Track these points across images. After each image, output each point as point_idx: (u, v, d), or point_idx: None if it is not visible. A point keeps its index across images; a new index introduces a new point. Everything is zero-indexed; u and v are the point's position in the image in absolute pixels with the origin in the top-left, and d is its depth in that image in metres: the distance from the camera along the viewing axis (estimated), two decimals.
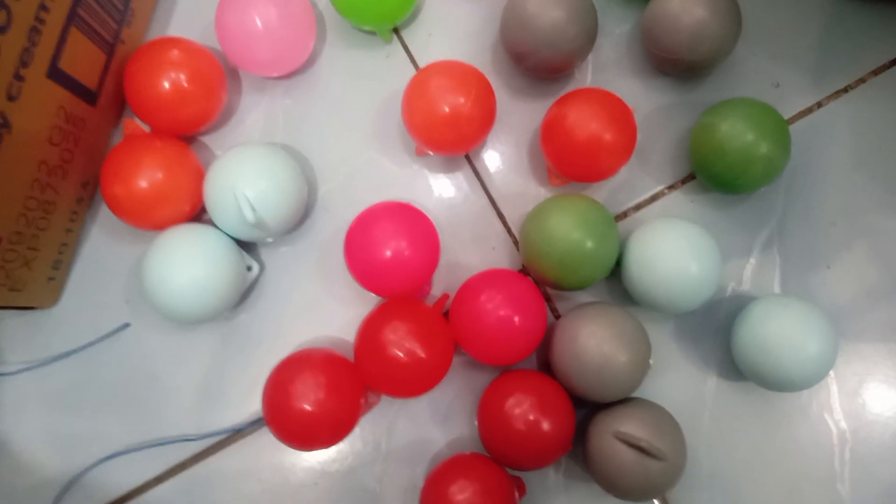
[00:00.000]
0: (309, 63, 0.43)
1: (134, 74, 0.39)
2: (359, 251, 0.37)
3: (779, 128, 0.38)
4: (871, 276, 0.42)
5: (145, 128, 0.40)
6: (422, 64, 0.43)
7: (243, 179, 0.37)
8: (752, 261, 0.42)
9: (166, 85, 0.38)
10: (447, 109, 0.38)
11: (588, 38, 0.39)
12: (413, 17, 0.43)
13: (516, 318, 0.37)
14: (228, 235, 0.39)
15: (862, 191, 0.42)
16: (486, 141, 0.42)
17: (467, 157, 0.42)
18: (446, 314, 0.39)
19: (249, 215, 0.36)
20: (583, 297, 0.41)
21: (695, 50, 0.39)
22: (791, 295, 0.40)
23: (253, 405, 0.40)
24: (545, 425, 0.36)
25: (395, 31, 0.43)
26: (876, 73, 0.43)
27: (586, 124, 0.38)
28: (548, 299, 0.42)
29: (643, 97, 0.43)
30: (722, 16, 0.38)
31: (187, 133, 0.41)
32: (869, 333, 0.41)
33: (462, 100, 0.38)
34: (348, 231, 0.38)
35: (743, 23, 0.42)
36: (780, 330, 0.37)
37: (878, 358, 0.41)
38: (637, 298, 0.39)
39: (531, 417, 0.36)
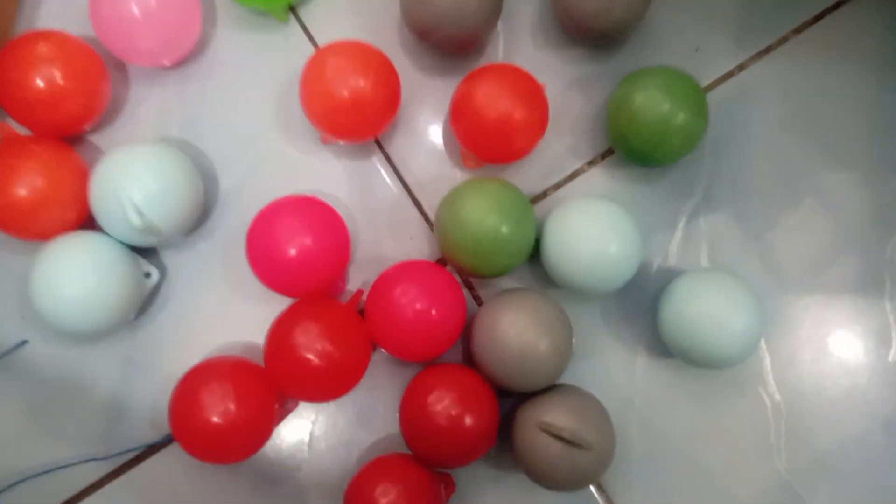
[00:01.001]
0: (200, 50, 0.40)
1: (3, 74, 0.36)
2: (261, 251, 0.35)
3: (695, 96, 0.37)
4: (803, 244, 0.41)
5: (23, 131, 0.37)
6: (322, 43, 0.40)
7: (128, 181, 0.34)
8: (678, 234, 0.40)
9: (40, 83, 0.35)
10: (346, 93, 0.35)
11: (492, 10, 0.37)
12: None
13: (433, 311, 0.35)
14: (121, 242, 0.36)
15: (790, 154, 0.41)
16: (397, 123, 0.40)
17: (377, 143, 0.40)
18: (362, 311, 0.37)
19: (136, 220, 0.34)
20: (506, 282, 0.40)
21: (606, 16, 0.37)
22: (716, 269, 0.39)
23: (163, 419, 0.38)
24: (467, 420, 0.35)
25: (292, 9, 0.40)
26: (798, 31, 0.42)
27: (494, 103, 0.36)
28: (469, 287, 0.40)
29: (558, 69, 0.41)
30: None
31: (70, 133, 0.38)
32: (801, 303, 0.41)
33: (362, 82, 0.36)
34: (249, 230, 0.36)
35: None
36: (703, 307, 0.36)
37: (811, 328, 0.41)
38: (557, 282, 0.37)
39: (452, 413, 0.35)
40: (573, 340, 0.36)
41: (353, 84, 0.36)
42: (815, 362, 0.40)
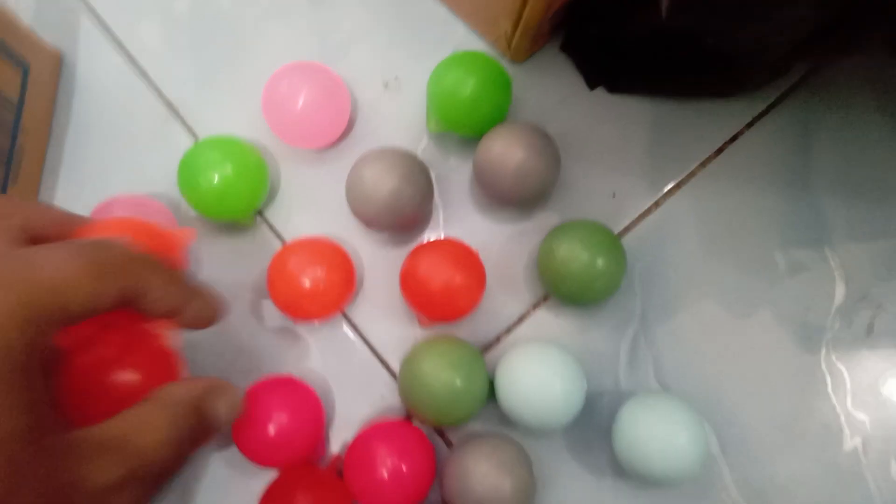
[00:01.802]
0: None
1: None
2: (245, 431, 0.40)
3: (611, 242, 0.42)
4: (739, 351, 0.45)
5: None
6: (288, 238, 0.47)
7: None
8: (624, 359, 0.45)
9: None
10: (307, 283, 0.41)
11: (424, 196, 0.43)
12: (272, 194, 0.47)
13: (403, 468, 0.39)
14: None
15: (712, 274, 0.46)
16: (360, 295, 0.46)
17: (344, 315, 0.46)
18: (342, 474, 0.41)
19: None
20: (474, 424, 0.44)
21: (521, 190, 0.43)
22: (656, 392, 0.43)
23: None
24: None
25: (259, 212, 0.47)
26: (703, 164, 0.47)
27: (436, 275, 0.41)
28: (440, 433, 0.44)
29: (494, 229, 0.47)
30: (540, 154, 0.42)
31: None
32: (748, 407, 0.44)
33: (318, 272, 0.41)
34: None
35: (574, 146, 0.47)
36: (646, 431, 0.40)
37: (762, 429, 0.44)
38: (513, 423, 0.41)
39: None
40: (533, 476, 0.40)
41: (310, 274, 0.41)
42: (772, 461, 0.43)
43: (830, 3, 0.31)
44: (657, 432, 0.39)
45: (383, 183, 0.42)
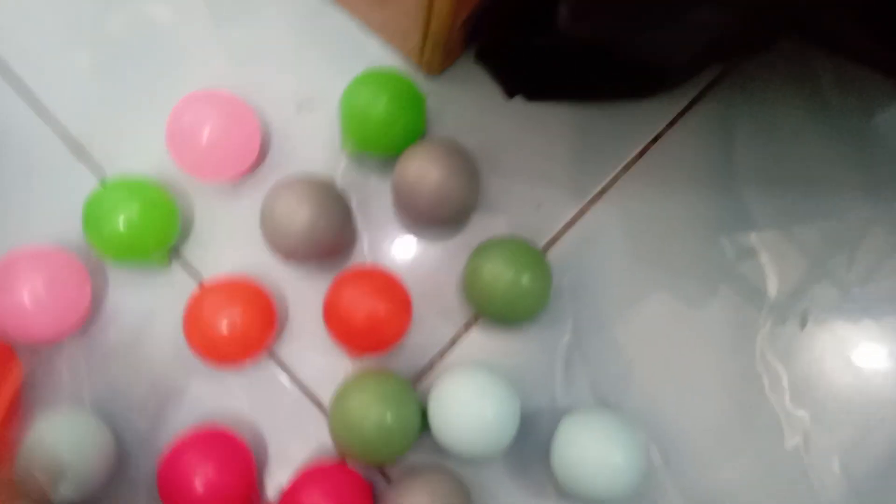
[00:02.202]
0: (97, 313, 0.44)
1: None
2: (171, 491, 0.38)
3: (534, 258, 0.41)
4: (675, 359, 0.44)
5: None
6: (206, 276, 0.45)
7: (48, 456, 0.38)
8: (559, 376, 0.44)
9: None
10: (224, 328, 0.39)
11: (341, 224, 0.41)
12: (187, 231, 0.45)
13: None
14: None
15: (642, 279, 0.45)
16: (286, 329, 0.44)
17: (270, 353, 0.44)
18: None
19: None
20: (411, 454, 0.43)
21: (441, 209, 0.41)
22: (591, 410, 0.42)
23: None
24: None
25: (174, 251, 0.45)
26: (626, 168, 0.47)
27: (359, 307, 0.40)
28: (379, 468, 0.43)
29: (421, 251, 0.45)
30: (457, 173, 0.41)
31: None
32: (687, 415, 0.43)
33: (235, 313, 0.40)
34: (157, 471, 0.39)
35: (496, 158, 0.46)
36: (582, 451, 0.39)
37: (701, 437, 0.43)
38: (448, 452, 0.40)
39: None
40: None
41: (227, 317, 0.40)
42: (716, 467, 0.43)
43: (729, 9, 0.30)
44: (593, 452, 0.39)
45: (296, 215, 0.40)
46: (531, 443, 0.43)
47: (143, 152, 0.45)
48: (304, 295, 0.45)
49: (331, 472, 0.40)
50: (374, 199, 0.46)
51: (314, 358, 0.44)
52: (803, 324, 0.45)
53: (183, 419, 0.43)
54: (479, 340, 0.44)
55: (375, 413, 0.38)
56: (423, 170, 0.41)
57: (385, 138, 0.43)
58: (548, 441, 0.42)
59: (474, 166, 0.43)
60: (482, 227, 0.46)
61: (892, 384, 0.45)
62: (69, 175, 0.46)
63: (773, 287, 0.46)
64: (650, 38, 0.31)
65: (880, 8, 0.34)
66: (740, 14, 0.31)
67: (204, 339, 0.40)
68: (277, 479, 0.43)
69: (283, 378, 0.44)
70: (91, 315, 0.44)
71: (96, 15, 0.48)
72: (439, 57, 0.45)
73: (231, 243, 0.45)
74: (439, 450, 0.42)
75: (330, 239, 0.41)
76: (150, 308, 0.44)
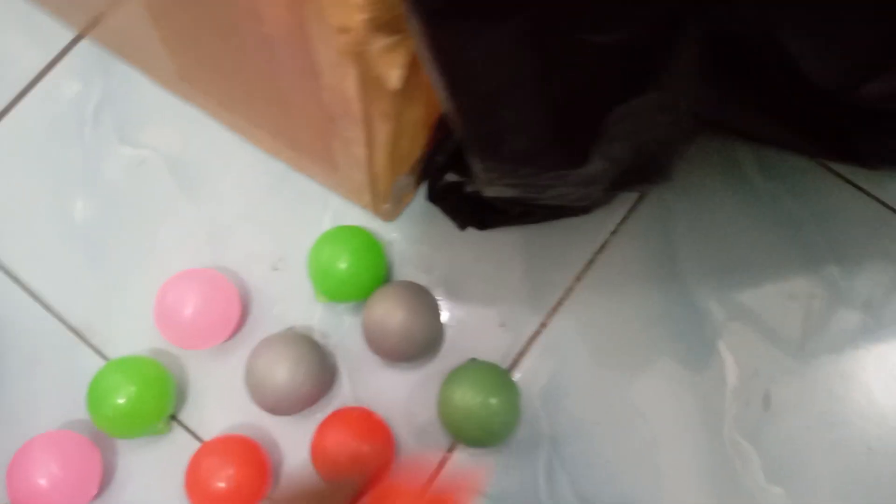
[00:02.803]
0: (110, 482, 0.48)
1: None
2: None
3: (500, 378, 0.45)
4: (648, 455, 0.47)
5: None
6: (207, 437, 0.48)
7: None
8: (542, 486, 0.47)
9: None
10: (223, 486, 0.43)
11: (320, 371, 0.45)
12: (184, 397, 0.49)
13: None
14: None
15: (609, 383, 0.48)
16: (280, 477, 0.47)
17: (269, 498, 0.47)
18: None
19: None
20: None
21: (408, 345, 0.45)
22: None
23: None
24: None
25: (173, 417, 0.49)
26: (578, 278, 0.51)
27: (342, 450, 0.43)
28: None
29: (398, 382, 0.49)
30: (419, 311, 0.45)
31: None
32: None
33: (231, 471, 0.43)
34: None
35: (458, 286, 0.50)
36: None
37: None
38: None
39: None
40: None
41: (224, 473, 0.43)
42: None
43: (614, 166, 0.35)
44: None
45: (275, 371, 0.44)
46: None
47: (137, 332, 0.50)
48: (294, 440, 0.48)
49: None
50: (349, 340, 0.50)
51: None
52: (766, 405, 0.48)
53: None
54: (463, 463, 0.47)
55: None
56: (388, 312, 0.45)
57: (351, 287, 0.47)
58: None
59: (434, 301, 0.47)
60: (453, 352, 0.49)
61: (860, 450, 0.47)
62: (72, 360, 0.50)
63: (732, 373, 0.48)
64: (552, 195, 0.36)
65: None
66: (627, 159, 0.35)
67: (205, 497, 0.44)
68: None
69: None
70: (104, 484, 0.48)
71: (82, 211, 0.53)
72: (391, 206, 0.50)
73: (224, 402, 0.49)
74: None
75: (309, 389, 0.45)
76: (157, 473, 0.48)
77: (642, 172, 0.39)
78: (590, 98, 0.29)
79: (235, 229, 0.53)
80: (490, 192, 0.37)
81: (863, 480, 0.46)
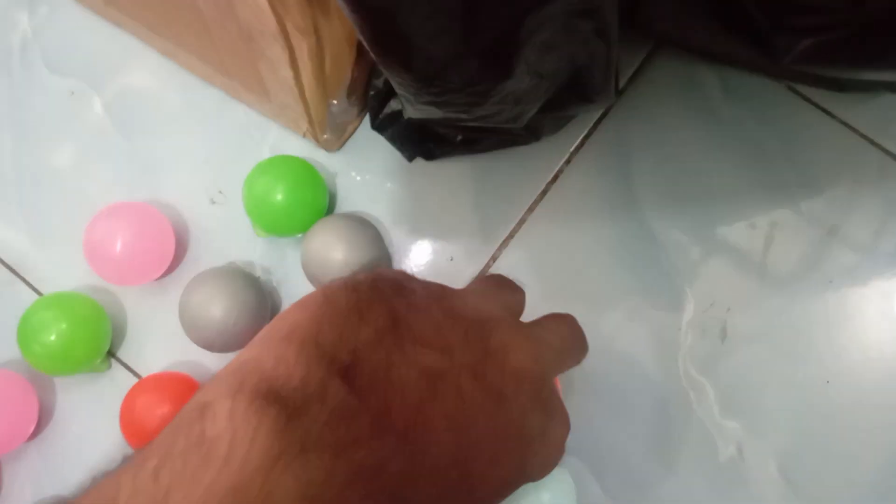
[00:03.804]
0: (46, 423, 0.47)
1: None
2: None
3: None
4: (602, 388, 0.46)
5: None
6: (144, 373, 0.48)
7: None
8: None
9: None
10: (156, 423, 0.42)
11: (257, 308, 0.44)
12: (121, 333, 0.48)
13: None
14: None
15: (573, 305, 0.46)
16: None
17: None
18: None
19: None
20: None
21: None
22: None
23: None
24: None
25: (111, 354, 0.48)
26: (531, 209, 0.49)
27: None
28: None
29: None
30: (361, 244, 0.44)
31: None
32: (624, 445, 0.45)
33: (166, 409, 0.42)
34: None
35: (405, 219, 0.48)
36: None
37: (639, 462, 0.45)
38: None
39: None
40: None
41: (158, 413, 0.43)
42: (654, 489, 0.44)
43: (546, 82, 0.33)
44: (519, 500, 0.40)
45: (210, 307, 0.43)
46: None
47: (71, 268, 0.49)
48: None
49: None
50: (293, 275, 0.49)
51: None
52: (723, 336, 0.47)
53: None
54: None
55: None
56: (327, 246, 0.44)
57: (289, 220, 0.46)
58: None
59: (377, 233, 0.46)
60: None
61: (818, 383, 0.46)
62: (6, 298, 0.49)
63: (689, 304, 0.47)
64: (479, 115, 0.34)
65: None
66: (559, 74, 0.33)
67: (140, 434, 0.43)
68: None
69: None
70: (42, 423, 0.47)
71: (11, 144, 0.51)
72: (332, 136, 0.48)
73: (164, 339, 0.48)
74: None
75: (246, 325, 0.44)
76: (96, 411, 0.47)
77: (580, 91, 0.37)
78: (500, 3, 0.27)
79: (171, 161, 0.51)
80: (413, 112, 0.35)
81: (819, 414, 0.45)
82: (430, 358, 0.24)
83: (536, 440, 0.28)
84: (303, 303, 0.26)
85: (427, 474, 0.23)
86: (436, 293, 0.28)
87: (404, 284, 0.27)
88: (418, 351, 0.24)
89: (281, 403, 0.21)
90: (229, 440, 0.20)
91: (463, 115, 0.35)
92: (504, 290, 0.34)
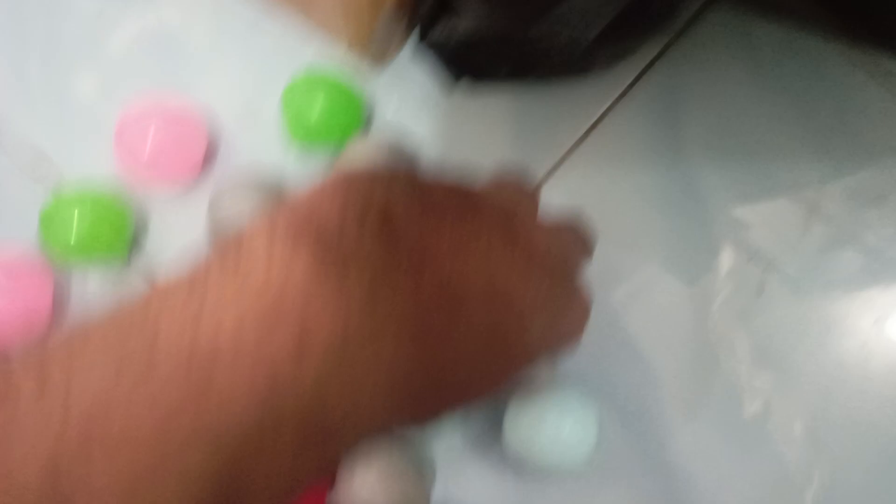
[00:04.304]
0: (61, 315, 0.46)
1: None
2: None
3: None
4: (631, 330, 0.45)
5: None
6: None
7: None
8: None
9: None
10: None
11: None
12: (141, 239, 0.47)
13: None
14: None
15: (610, 250, 0.46)
16: None
17: None
18: None
19: None
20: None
21: None
22: (541, 381, 0.43)
23: None
24: None
25: (129, 258, 0.47)
26: (573, 149, 0.48)
27: None
28: None
29: None
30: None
31: None
32: (647, 390, 0.44)
33: None
34: None
35: (440, 148, 0.47)
36: (531, 423, 0.40)
37: (662, 409, 0.44)
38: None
39: None
40: (425, 481, 0.40)
41: None
42: (674, 437, 0.44)
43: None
44: (542, 424, 0.39)
45: (240, 217, 0.42)
46: (488, 417, 0.44)
47: (95, 163, 0.47)
48: None
49: None
50: None
51: None
52: (760, 291, 0.46)
53: None
54: None
55: None
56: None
57: (325, 136, 0.45)
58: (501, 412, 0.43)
59: (412, 157, 0.44)
60: None
61: (851, 347, 0.45)
62: (28, 188, 0.48)
63: (727, 256, 0.46)
64: (543, 32, 0.32)
65: None
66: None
67: None
68: None
69: None
70: (55, 315, 0.46)
71: (43, 31, 0.50)
72: (376, 54, 0.46)
73: (186, 246, 0.47)
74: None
75: None
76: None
77: (643, 13, 0.36)
78: None
79: (206, 65, 0.49)
80: (466, 26, 0.34)
81: (854, 375, 0.44)
82: (461, 230, 0.24)
83: (560, 318, 0.29)
84: (324, 181, 0.25)
85: (461, 334, 0.23)
86: (454, 182, 0.28)
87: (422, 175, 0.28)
88: (449, 223, 0.24)
89: (318, 237, 0.20)
90: (266, 265, 0.19)
91: (522, 30, 0.34)
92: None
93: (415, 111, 0.48)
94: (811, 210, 0.47)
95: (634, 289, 0.46)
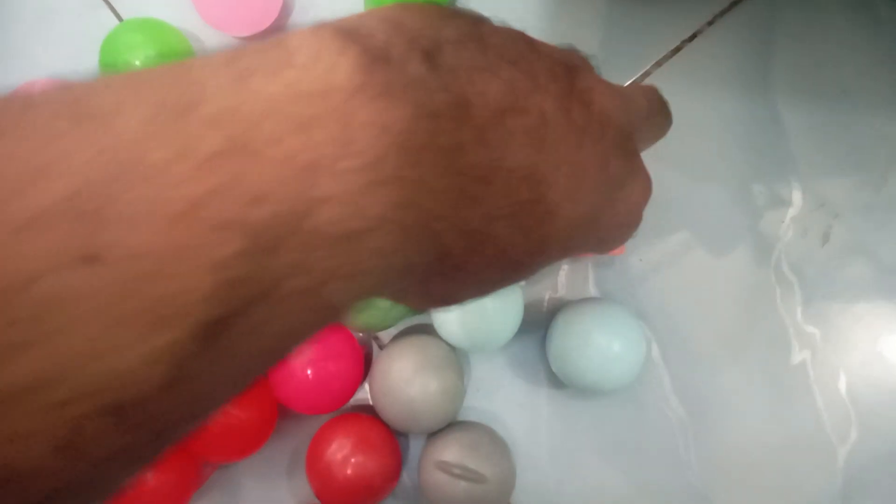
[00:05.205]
0: None
1: None
2: None
3: None
4: (688, 261, 0.44)
5: None
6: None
7: None
8: (565, 266, 0.43)
9: None
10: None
11: None
12: None
13: (329, 366, 0.38)
14: None
15: (660, 181, 0.44)
16: None
17: None
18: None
19: None
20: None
21: None
22: (591, 299, 0.42)
23: None
24: (367, 465, 0.38)
25: None
26: (659, 64, 0.46)
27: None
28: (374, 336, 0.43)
29: None
30: None
31: None
32: (693, 316, 0.43)
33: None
34: None
35: None
36: (578, 338, 0.39)
37: (706, 340, 0.43)
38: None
39: (353, 460, 0.37)
40: (463, 379, 0.39)
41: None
42: (715, 372, 0.43)
43: None
44: (590, 339, 0.38)
45: None
46: (529, 332, 0.43)
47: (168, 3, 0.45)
48: None
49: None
50: None
51: None
52: (825, 240, 0.44)
53: None
54: None
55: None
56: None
57: None
58: (543, 329, 0.42)
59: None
60: None
61: None
62: (91, 12, 0.46)
63: (797, 199, 0.45)
64: None
65: None
66: None
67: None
68: None
69: None
70: None
71: None
72: None
73: None
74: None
75: None
76: None
77: None
78: None
79: None
80: None
81: None
82: (515, 74, 0.22)
83: (615, 192, 0.26)
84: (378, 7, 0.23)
85: (501, 181, 0.21)
86: (519, 31, 0.26)
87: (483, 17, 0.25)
88: (502, 65, 0.22)
89: (364, 47, 0.18)
90: (312, 54, 0.18)
91: None
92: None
93: (497, 11, 0.46)
94: (890, 162, 0.45)
95: (699, 216, 0.44)
